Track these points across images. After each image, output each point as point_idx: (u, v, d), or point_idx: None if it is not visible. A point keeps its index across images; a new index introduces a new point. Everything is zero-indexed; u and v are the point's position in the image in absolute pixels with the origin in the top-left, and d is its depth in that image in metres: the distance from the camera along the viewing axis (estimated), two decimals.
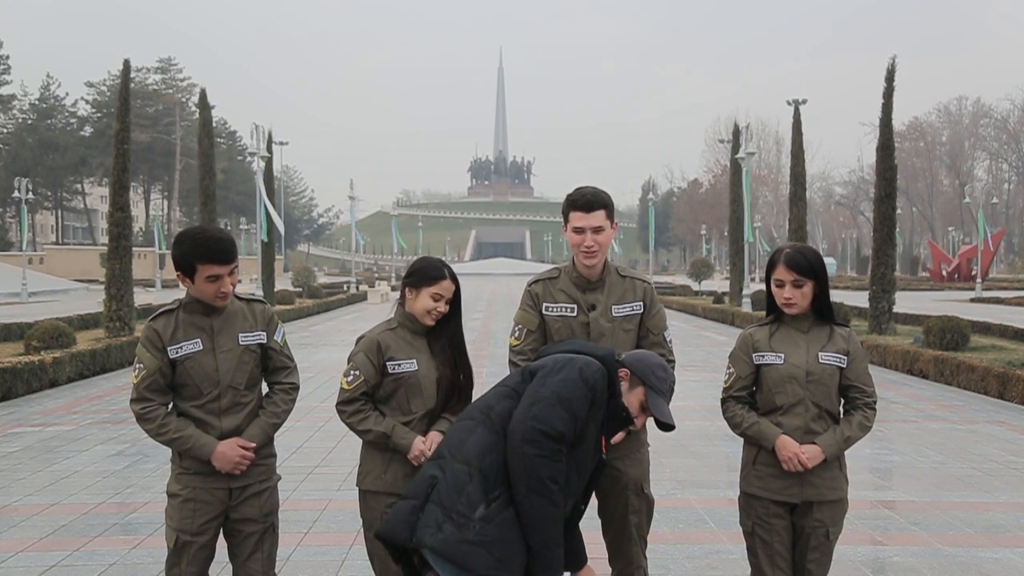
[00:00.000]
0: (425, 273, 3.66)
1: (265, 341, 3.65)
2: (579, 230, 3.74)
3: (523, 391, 3.14)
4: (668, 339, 3.93)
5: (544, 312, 3.84)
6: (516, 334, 3.88)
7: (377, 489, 3.64)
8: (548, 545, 2.99)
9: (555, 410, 3.03)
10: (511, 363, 3.86)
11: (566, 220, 3.82)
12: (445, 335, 3.71)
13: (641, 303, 3.86)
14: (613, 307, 3.82)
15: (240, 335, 3.58)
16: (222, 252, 3.45)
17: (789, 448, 3.56)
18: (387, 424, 3.60)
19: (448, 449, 3.14)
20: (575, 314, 3.80)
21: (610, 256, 3.98)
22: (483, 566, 2.92)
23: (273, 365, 3.70)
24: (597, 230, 3.73)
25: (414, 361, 3.64)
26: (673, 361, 3.89)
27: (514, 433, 3.02)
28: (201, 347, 3.52)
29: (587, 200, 3.74)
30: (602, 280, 3.85)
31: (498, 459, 3.03)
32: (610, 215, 3.78)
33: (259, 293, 28.83)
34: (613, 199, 3.89)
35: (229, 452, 3.49)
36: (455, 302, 3.71)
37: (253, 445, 3.54)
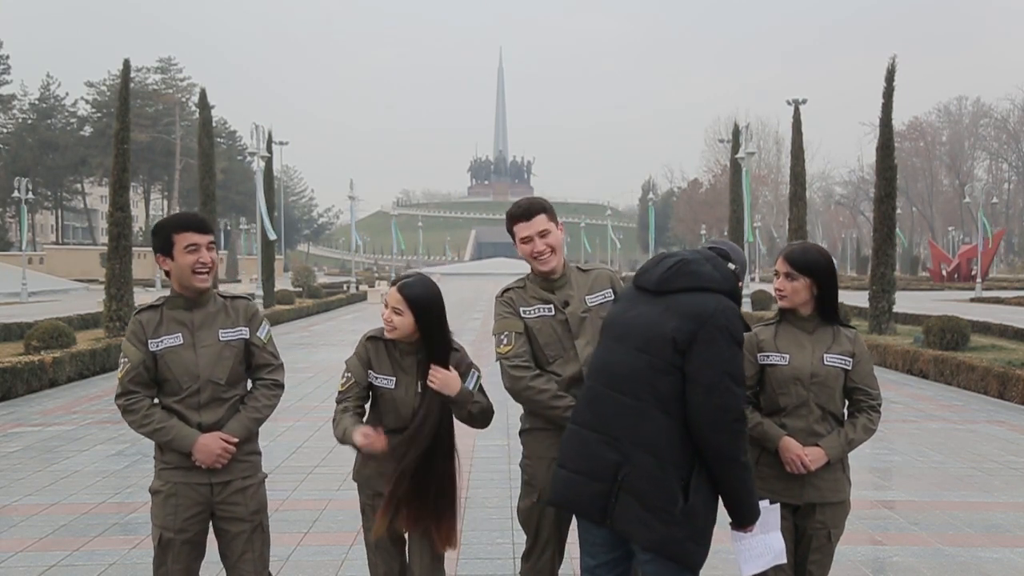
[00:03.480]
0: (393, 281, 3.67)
1: (247, 336, 3.65)
2: (526, 239, 3.76)
3: (681, 364, 3.02)
4: None
5: (523, 317, 3.80)
6: (504, 341, 3.77)
7: (358, 481, 3.70)
8: (754, 502, 3.17)
9: (731, 390, 3.01)
10: (514, 367, 3.73)
11: (513, 237, 3.82)
12: (423, 351, 3.53)
13: (611, 290, 3.85)
14: (587, 297, 3.81)
15: (221, 331, 3.60)
16: (198, 222, 3.57)
17: (792, 450, 3.56)
18: (348, 423, 3.50)
19: (617, 430, 3.04)
20: (553, 312, 3.78)
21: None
22: (699, 560, 3.05)
23: (256, 362, 3.70)
24: (543, 234, 3.74)
25: (393, 380, 3.58)
26: None
27: (704, 426, 2.99)
28: (181, 341, 3.54)
29: (523, 209, 3.78)
30: (565, 278, 3.84)
31: (681, 442, 3.01)
32: (552, 218, 3.79)
33: (259, 293, 28.80)
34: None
35: (211, 444, 3.49)
36: (426, 325, 3.49)
37: (235, 440, 3.54)
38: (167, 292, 3.67)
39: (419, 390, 3.54)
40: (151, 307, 3.62)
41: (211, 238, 3.56)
